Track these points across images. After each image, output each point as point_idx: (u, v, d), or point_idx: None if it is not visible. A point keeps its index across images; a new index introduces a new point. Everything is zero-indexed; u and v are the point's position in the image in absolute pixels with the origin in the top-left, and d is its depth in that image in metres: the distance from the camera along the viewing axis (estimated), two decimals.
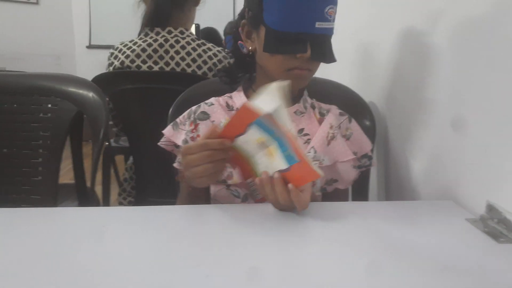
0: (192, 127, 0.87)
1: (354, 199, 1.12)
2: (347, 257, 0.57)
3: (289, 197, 0.65)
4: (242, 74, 0.93)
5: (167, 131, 0.90)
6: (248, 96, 0.90)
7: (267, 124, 0.63)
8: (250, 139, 0.66)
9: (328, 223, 0.67)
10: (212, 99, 0.91)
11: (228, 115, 0.88)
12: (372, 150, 0.92)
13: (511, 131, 0.67)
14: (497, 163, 0.70)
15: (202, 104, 0.90)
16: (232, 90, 0.94)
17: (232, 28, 0.91)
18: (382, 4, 1.19)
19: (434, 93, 0.90)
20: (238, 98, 0.91)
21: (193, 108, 0.90)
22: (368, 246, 0.60)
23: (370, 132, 1.10)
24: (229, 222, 0.68)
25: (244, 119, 0.64)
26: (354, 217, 0.70)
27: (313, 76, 0.85)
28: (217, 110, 0.89)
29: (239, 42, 0.87)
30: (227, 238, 0.63)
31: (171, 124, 0.90)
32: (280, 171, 0.66)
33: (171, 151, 0.92)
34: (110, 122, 1.50)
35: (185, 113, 0.90)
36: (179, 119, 0.90)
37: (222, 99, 0.92)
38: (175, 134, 0.89)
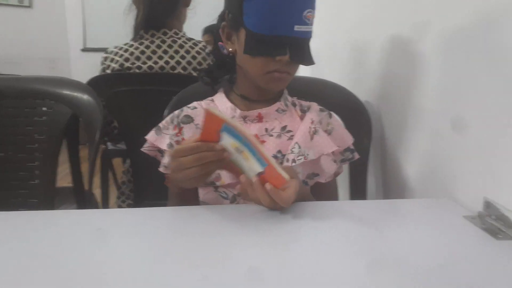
0: (176, 130, 0.87)
1: (352, 198, 1.12)
2: (345, 256, 0.57)
3: (269, 197, 0.66)
4: (222, 75, 0.93)
5: (150, 136, 0.90)
6: (230, 99, 0.90)
7: (233, 131, 0.65)
8: (227, 144, 0.67)
9: (326, 222, 0.67)
10: (195, 103, 0.92)
11: None
12: (360, 143, 0.94)
13: (507, 128, 0.67)
14: (493, 159, 0.71)
15: (184, 108, 0.91)
16: (213, 92, 0.94)
17: (212, 29, 0.92)
18: (377, 4, 1.20)
19: (430, 91, 0.90)
20: (220, 101, 0.91)
21: (176, 112, 0.90)
22: (366, 244, 0.60)
23: (366, 131, 1.10)
24: (226, 223, 0.68)
25: (213, 125, 0.66)
26: (352, 216, 0.70)
27: (310, 76, 0.86)
28: (200, 113, 0.89)
29: (220, 43, 0.88)
30: (223, 239, 0.63)
31: (154, 129, 0.90)
32: (259, 174, 0.67)
33: (154, 156, 0.91)
34: None
35: (168, 118, 0.90)
36: (162, 124, 0.90)
37: (204, 103, 0.92)
38: (158, 139, 0.89)
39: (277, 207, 0.69)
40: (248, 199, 0.69)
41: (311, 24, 0.79)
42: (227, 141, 0.67)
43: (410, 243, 0.61)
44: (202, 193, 0.86)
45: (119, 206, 1.62)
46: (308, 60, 0.83)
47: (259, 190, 0.66)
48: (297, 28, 0.77)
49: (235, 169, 0.72)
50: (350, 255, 0.57)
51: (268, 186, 0.65)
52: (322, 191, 0.92)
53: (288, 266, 0.54)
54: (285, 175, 0.64)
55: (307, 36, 0.80)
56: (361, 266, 0.54)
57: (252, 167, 0.67)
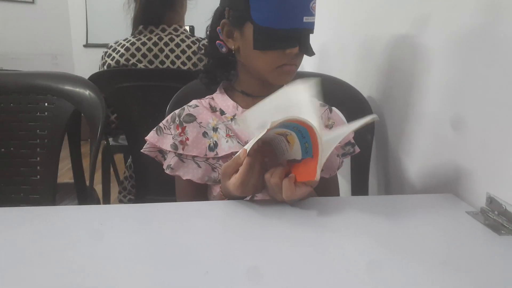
0: (179, 130, 0.86)
1: (354, 193, 1.12)
2: (348, 251, 0.57)
3: (280, 182, 0.66)
4: (221, 74, 0.92)
5: (151, 137, 0.88)
6: (230, 96, 0.90)
7: (286, 124, 0.64)
8: (269, 134, 0.67)
9: (329, 218, 0.67)
10: (195, 101, 0.91)
11: (214, 116, 0.88)
12: (363, 139, 0.93)
13: (510, 123, 0.67)
14: (496, 155, 0.70)
15: (185, 107, 0.90)
16: (212, 91, 0.93)
17: (207, 29, 0.91)
18: (383, 0, 1.19)
19: (433, 87, 0.90)
20: (220, 99, 0.90)
21: (177, 111, 0.89)
22: (368, 240, 0.60)
23: (369, 127, 1.09)
24: (228, 218, 0.68)
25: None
26: (355, 212, 0.70)
27: (313, 72, 0.85)
28: (202, 111, 0.88)
29: (217, 42, 0.87)
30: (226, 235, 0.63)
31: (154, 129, 0.89)
32: (292, 161, 0.67)
33: (154, 157, 0.91)
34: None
35: (169, 117, 0.89)
36: (162, 124, 0.89)
37: (204, 101, 0.91)
38: (160, 139, 0.87)
39: (279, 196, 0.68)
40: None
41: (315, 15, 0.80)
42: (272, 131, 0.66)
43: (413, 239, 0.61)
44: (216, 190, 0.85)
45: (121, 201, 1.62)
46: (311, 50, 0.83)
47: (278, 172, 0.67)
48: (305, 19, 0.77)
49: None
50: (352, 250, 0.57)
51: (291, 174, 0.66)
52: (325, 186, 0.91)
53: (291, 262, 0.54)
54: (317, 176, 0.62)
55: (312, 27, 0.80)
56: (363, 261, 0.54)
57: (292, 150, 0.67)
